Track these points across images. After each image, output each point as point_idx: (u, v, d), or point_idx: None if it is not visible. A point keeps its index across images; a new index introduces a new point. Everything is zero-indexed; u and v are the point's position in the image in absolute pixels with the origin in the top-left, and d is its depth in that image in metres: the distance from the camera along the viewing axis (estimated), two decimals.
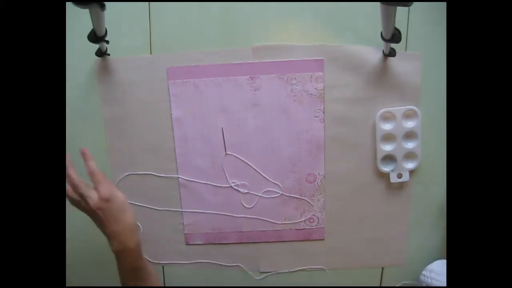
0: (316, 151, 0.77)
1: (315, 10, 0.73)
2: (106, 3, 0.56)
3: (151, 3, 0.74)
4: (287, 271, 0.83)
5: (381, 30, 0.64)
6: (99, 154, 0.80)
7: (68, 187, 0.65)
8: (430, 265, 0.77)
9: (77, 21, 0.71)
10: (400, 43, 0.65)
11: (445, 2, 0.61)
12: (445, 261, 0.78)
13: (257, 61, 0.75)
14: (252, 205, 0.80)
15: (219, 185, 0.79)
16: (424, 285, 0.76)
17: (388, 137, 0.75)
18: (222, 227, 0.82)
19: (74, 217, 0.83)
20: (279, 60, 0.74)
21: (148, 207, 0.81)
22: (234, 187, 0.79)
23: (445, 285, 0.71)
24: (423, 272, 0.78)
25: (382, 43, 0.68)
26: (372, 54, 0.73)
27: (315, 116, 0.76)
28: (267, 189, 0.79)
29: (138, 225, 0.82)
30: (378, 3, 0.55)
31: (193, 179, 0.80)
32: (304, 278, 0.83)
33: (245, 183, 0.79)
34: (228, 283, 0.84)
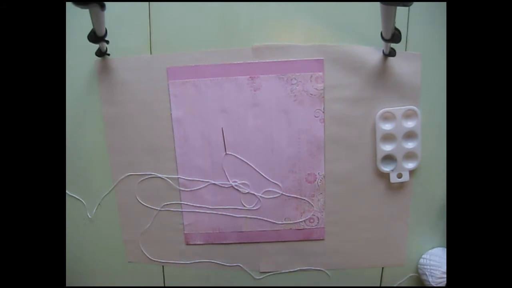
0: (316, 151, 0.77)
1: (315, 10, 0.73)
2: (106, 3, 0.56)
3: (151, 3, 0.74)
4: (287, 271, 0.83)
5: (381, 30, 0.64)
6: (99, 154, 0.80)
7: None
8: (430, 250, 0.80)
9: (77, 21, 0.72)
10: (400, 43, 0.65)
11: (445, 2, 0.61)
12: (444, 248, 0.80)
13: (257, 61, 0.75)
14: (252, 205, 0.80)
15: (220, 184, 0.79)
16: (422, 267, 0.79)
17: (388, 137, 0.75)
18: (222, 227, 0.82)
19: (74, 217, 0.83)
20: (279, 60, 0.74)
21: (148, 207, 0.81)
22: (235, 187, 0.79)
23: (442, 267, 0.73)
24: (423, 256, 0.80)
25: (382, 43, 0.68)
26: (372, 54, 0.73)
27: (315, 116, 0.76)
28: (267, 189, 0.79)
29: None
30: (378, 3, 0.55)
31: (193, 179, 0.80)
32: (304, 278, 0.83)
33: (246, 182, 0.79)
34: (228, 283, 0.84)
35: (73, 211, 0.82)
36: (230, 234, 0.82)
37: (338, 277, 0.83)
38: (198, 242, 0.83)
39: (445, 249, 0.79)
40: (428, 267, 0.77)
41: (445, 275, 0.73)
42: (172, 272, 0.85)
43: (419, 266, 0.80)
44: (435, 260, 0.76)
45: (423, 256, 0.80)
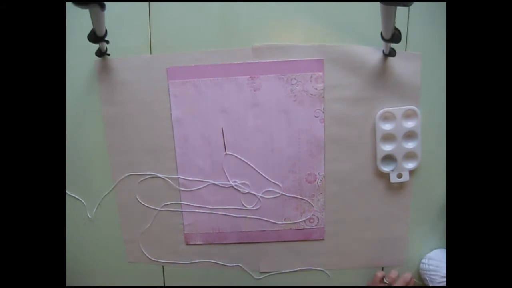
0: (316, 151, 0.77)
1: (315, 10, 0.73)
2: (106, 3, 0.56)
3: (151, 3, 0.74)
4: (287, 271, 0.83)
5: (381, 30, 0.64)
6: (99, 154, 0.80)
7: None
8: (429, 253, 0.79)
9: (77, 21, 0.72)
10: (400, 43, 0.65)
11: (445, 2, 0.61)
12: (443, 250, 0.79)
13: (257, 61, 0.75)
14: (252, 205, 0.80)
15: (220, 184, 0.79)
16: (422, 272, 0.78)
17: (388, 137, 0.75)
18: (222, 227, 0.82)
19: (74, 217, 0.83)
20: (279, 60, 0.74)
21: (148, 207, 0.81)
22: (235, 187, 0.79)
23: (442, 270, 0.73)
24: (422, 260, 0.80)
25: (382, 43, 0.68)
26: (372, 54, 0.73)
27: (315, 116, 0.76)
28: (267, 189, 0.79)
29: None
30: (378, 3, 0.55)
31: (193, 179, 0.80)
32: (304, 278, 0.83)
33: (246, 182, 0.79)
34: (228, 283, 0.84)
35: (73, 211, 0.82)
36: (230, 234, 0.82)
37: (338, 277, 0.83)
38: (198, 242, 0.83)
39: (445, 250, 0.79)
40: (427, 272, 0.76)
41: (444, 279, 0.72)
42: (172, 272, 0.85)
43: (420, 271, 0.80)
44: (435, 265, 0.76)
45: (422, 260, 0.79)
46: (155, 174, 0.80)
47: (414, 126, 0.74)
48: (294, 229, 0.81)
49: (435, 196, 0.79)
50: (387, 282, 0.76)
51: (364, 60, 0.73)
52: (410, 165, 0.76)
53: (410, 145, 0.75)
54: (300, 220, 0.81)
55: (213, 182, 0.79)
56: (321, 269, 0.83)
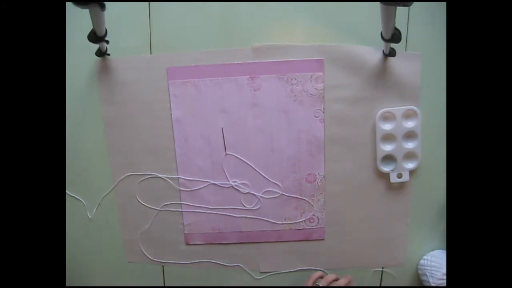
0: (316, 151, 0.77)
1: (315, 10, 0.73)
2: (106, 3, 0.56)
3: (151, 3, 0.74)
4: (287, 271, 0.83)
5: (381, 30, 0.64)
6: (99, 154, 0.80)
7: None
8: (431, 251, 0.80)
9: (77, 21, 0.72)
10: (400, 43, 0.65)
11: (445, 2, 0.61)
12: (445, 250, 0.79)
13: (257, 61, 0.75)
14: (252, 205, 0.80)
15: (220, 184, 0.79)
16: (423, 268, 0.79)
17: (388, 137, 0.75)
18: (222, 227, 0.82)
19: (74, 217, 0.83)
20: (279, 60, 0.74)
21: (148, 207, 0.81)
22: (235, 187, 0.79)
23: (443, 269, 0.74)
24: (424, 257, 0.80)
25: (382, 43, 0.68)
26: (372, 54, 0.73)
27: (315, 116, 0.76)
28: (267, 189, 0.79)
29: None
30: (378, 3, 0.55)
31: (193, 179, 0.80)
32: (304, 278, 0.83)
33: (246, 182, 0.79)
34: (228, 283, 0.84)
35: (73, 211, 0.82)
36: (230, 234, 0.82)
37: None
38: (198, 242, 0.83)
39: (445, 251, 0.79)
40: (429, 268, 0.77)
41: (445, 277, 0.73)
42: (172, 272, 0.85)
43: (419, 266, 0.80)
44: (437, 262, 0.76)
45: (424, 257, 0.80)
46: (155, 174, 0.80)
47: (414, 126, 0.74)
48: (294, 229, 0.81)
49: (435, 196, 0.79)
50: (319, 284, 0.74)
51: (364, 60, 0.73)
52: (410, 165, 0.76)
53: (410, 145, 0.75)
54: (300, 220, 0.81)
55: (213, 182, 0.79)
56: (321, 269, 0.83)
